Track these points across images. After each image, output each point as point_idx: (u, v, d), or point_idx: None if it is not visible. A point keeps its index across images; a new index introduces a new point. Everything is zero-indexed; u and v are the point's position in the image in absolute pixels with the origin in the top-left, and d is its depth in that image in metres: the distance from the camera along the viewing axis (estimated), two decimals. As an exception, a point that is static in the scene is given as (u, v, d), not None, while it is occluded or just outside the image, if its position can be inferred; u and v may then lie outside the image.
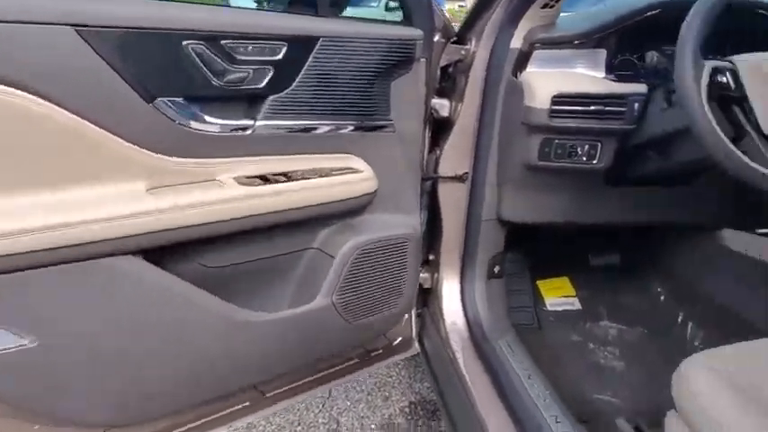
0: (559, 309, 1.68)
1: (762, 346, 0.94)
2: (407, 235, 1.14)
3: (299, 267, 1.07)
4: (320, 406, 1.65)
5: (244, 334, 0.97)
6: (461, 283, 1.41)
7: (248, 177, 0.92)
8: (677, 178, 1.39)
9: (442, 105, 1.30)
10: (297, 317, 1.01)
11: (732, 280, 1.52)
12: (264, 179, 0.93)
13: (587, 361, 1.48)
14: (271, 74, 0.90)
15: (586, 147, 1.19)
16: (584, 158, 1.19)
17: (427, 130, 1.29)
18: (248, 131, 0.91)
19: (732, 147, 0.91)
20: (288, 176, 0.95)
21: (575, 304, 1.70)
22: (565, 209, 1.36)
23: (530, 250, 1.73)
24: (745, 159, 0.91)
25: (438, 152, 1.33)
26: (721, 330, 1.48)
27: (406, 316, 1.38)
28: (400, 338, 1.45)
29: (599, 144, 1.19)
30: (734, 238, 1.51)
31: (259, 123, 0.91)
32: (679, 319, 1.59)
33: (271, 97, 0.91)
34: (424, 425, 1.62)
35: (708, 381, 0.86)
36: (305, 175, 0.97)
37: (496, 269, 1.43)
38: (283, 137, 0.95)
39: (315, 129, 0.99)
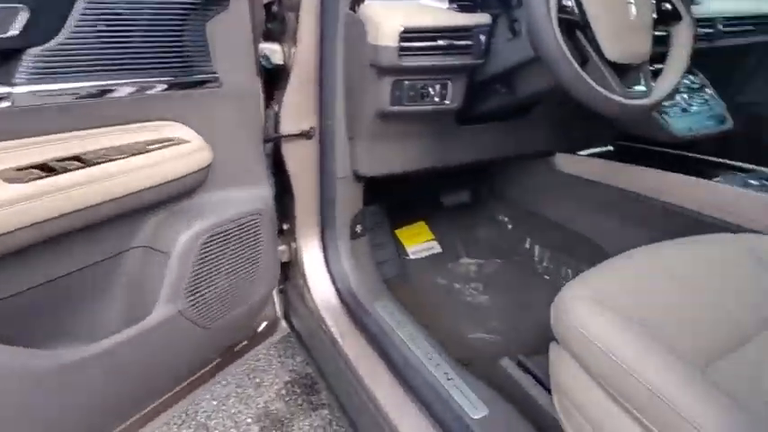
0: (422, 255, 1.66)
1: (628, 264, 0.98)
2: (259, 210, 0.96)
3: (121, 275, 0.83)
4: (183, 416, 1.43)
5: (53, 381, 0.71)
6: (324, 249, 1.28)
7: (19, 170, 0.64)
8: (517, 111, 1.42)
9: (273, 51, 1.10)
10: (132, 340, 0.78)
11: (566, 200, 1.65)
12: (46, 169, 0.66)
13: (457, 302, 1.49)
14: (25, 15, 0.62)
15: (438, 86, 1.11)
16: (437, 99, 1.12)
17: (260, 83, 1.09)
18: (4, 103, 0.62)
19: (582, 72, 0.90)
20: (82, 161, 0.70)
21: (435, 247, 1.70)
22: (421, 155, 1.30)
23: (385, 200, 1.66)
24: (593, 84, 0.91)
25: (277, 107, 1.14)
26: (564, 249, 1.60)
27: (269, 296, 1.22)
28: (265, 323, 1.28)
29: (449, 82, 1.12)
30: (565, 162, 1.62)
31: (19, 90, 0.63)
32: (526, 245, 1.69)
33: (32, 51, 0.64)
34: (305, 402, 1.51)
35: (585, 308, 0.87)
36: (108, 156, 0.72)
37: (358, 228, 1.33)
38: (64, 107, 0.68)
39: (111, 91, 0.73)
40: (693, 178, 1.30)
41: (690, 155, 1.51)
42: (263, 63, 1.10)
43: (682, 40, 1.06)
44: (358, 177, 1.25)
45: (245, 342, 1.20)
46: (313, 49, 1.08)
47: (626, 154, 1.58)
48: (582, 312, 0.86)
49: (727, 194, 1.23)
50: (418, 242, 1.70)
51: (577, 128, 1.59)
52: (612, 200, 1.48)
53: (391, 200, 1.69)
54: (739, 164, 1.37)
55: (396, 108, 1.10)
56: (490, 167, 1.83)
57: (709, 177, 1.32)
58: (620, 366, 0.77)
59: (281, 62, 1.11)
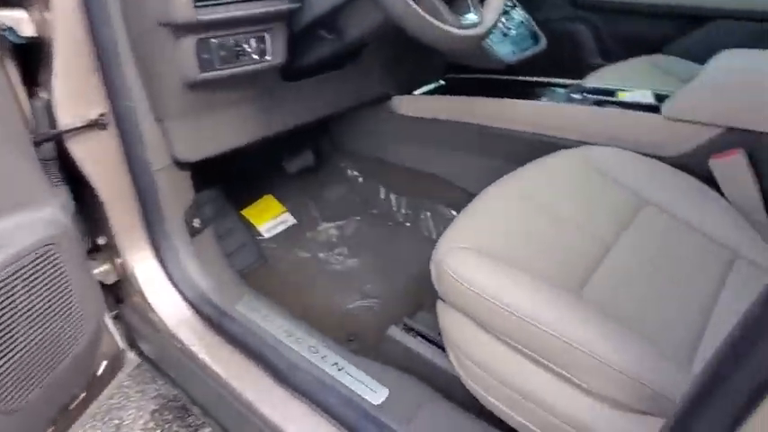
0: (277, 231, 1.51)
1: (491, 203, 0.95)
2: (50, 238, 0.72)
3: None
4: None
5: None
6: (158, 256, 1.06)
7: None
8: (348, 57, 1.30)
9: (18, 20, 0.82)
10: None
11: (411, 143, 1.61)
12: None
13: (325, 273, 1.38)
14: None
15: (253, 41, 0.93)
16: (256, 56, 0.94)
17: (10, 65, 0.81)
18: None
19: (414, 4, 0.81)
20: None
21: (289, 219, 1.55)
22: (249, 125, 1.12)
23: (221, 180, 1.45)
24: (426, 16, 0.83)
25: (46, 95, 0.86)
26: (419, 193, 1.57)
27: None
28: (105, 363, 1.05)
29: (266, 35, 0.95)
30: (402, 104, 1.56)
31: None
32: (382, 196, 1.63)
33: None
34: (181, 428, 1.31)
35: (462, 259, 0.82)
36: None
37: (196, 222, 1.12)
38: None
39: None
40: (525, 101, 1.32)
41: (514, 78, 1.56)
42: (9, 37, 0.81)
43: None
44: (180, 165, 1.04)
45: (83, 395, 0.96)
46: (75, 11, 0.82)
47: (458, 87, 1.57)
48: (459, 265, 0.81)
49: (556, 111, 1.28)
50: (269, 218, 1.53)
51: (409, 66, 1.54)
52: (455, 135, 1.47)
53: (228, 178, 1.48)
54: (558, 80, 1.44)
55: (208, 75, 0.91)
56: (329, 122, 1.71)
57: (537, 97, 1.37)
58: (505, 312, 0.75)
59: (35, 34, 0.83)
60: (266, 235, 1.49)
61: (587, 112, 1.22)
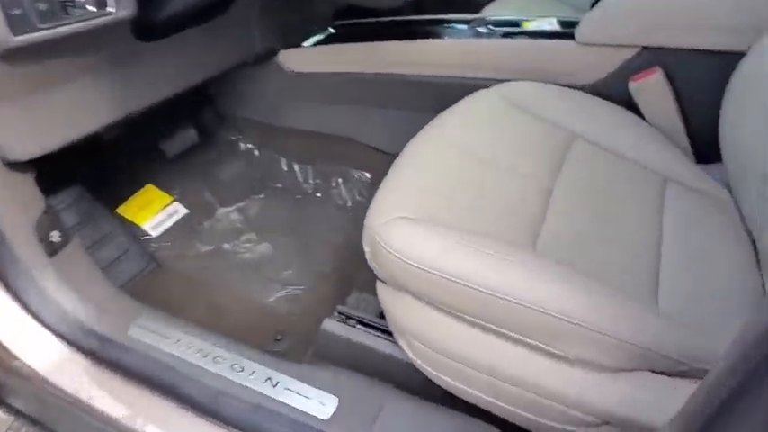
0: (166, 226, 1.27)
1: (414, 161, 0.83)
2: None
3: None
4: None
5: None
6: (9, 290, 0.82)
7: None
8: (213, 7, 1.07)
9: None
10: None
11: (307, 102, 1.42)
12: None
13: (235, 265, 1.19)
14: None
15: (84, -13, 0.69)
16: (92, 8, 0.70)
17: None
18: None
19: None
20: None
21: (179, 210, 1.32)
22: (100, 104, 0.87)
23: (84, 173, 1.18)
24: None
25: None
26: (325, 157, 1.41)
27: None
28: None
29: (100, -22, 0.71)
30: (291, 59, 1.37)
31: None
32: (284, 167, 1.45)
33: None
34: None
35: (396, 232, 0.70)
36: None
37: (55, 236, 0.88)
38: None
39: None
40: (430, 41, 1.20)
41: (408, 19, 1.41)
42: None
43: None
44: (14, 165, 0.78)
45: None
46: None
47: (350, 34, 1.39)
48: (396, 239, 0.69)
49: (465, 48, 1.17)
50: (154, 212, 1.29)
51: (291, 15, 1.33)
52: (355, 88, 1.32)
53: (92, 172, 1.21)
54: (456, 16, 1.33)
55: (24, 38, 0.66)
56: (209, 90, 1.46)
57: (439, 37, 1.24)
58: (456, 284, 0.64)
59: None
60: (153, 233, 1.25)
61: (499, 45, 1.12)
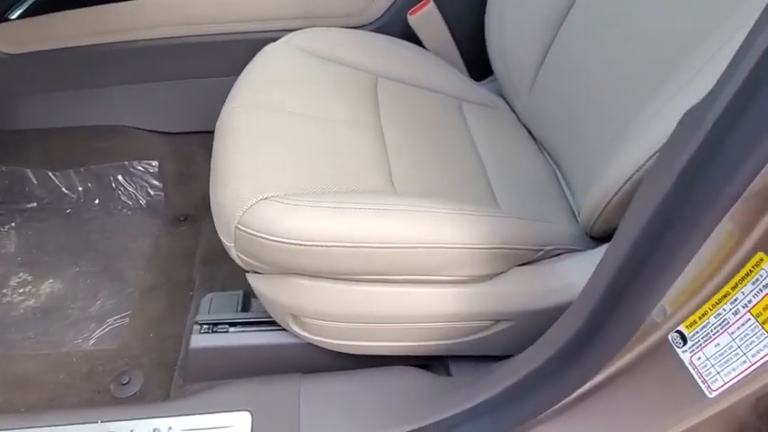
0: None
1: (246, 137, 0.73)
2: None
3: None
4: None
5: None
6: None
7: None
8: None
9: None
10: None
11: (33, 93, 1.11)
12: None
13: (18, 320, 0.91)
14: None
15: None
16: None
17: None
18: None
19: None
20: None
21: None
22: None
23: None
24: None
25: None
26: (88, 155, 1.14)
27: None
28: None
29: None
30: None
31: None
32: (33, 179, 1.13)
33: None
34: None
35: (262, 215, 0.63)
36: None
37: None
38: None
39: None
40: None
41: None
42: None
43: None
44: None
45: None
46: None
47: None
48: (261, 222, 0.62)
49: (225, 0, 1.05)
50: None
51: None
52: (106, 63, 1.08)
53: None
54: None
55: None
56: None
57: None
58: (336, 248, 0.62)
59: None
60: None
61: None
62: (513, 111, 1.01)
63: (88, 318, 0.92)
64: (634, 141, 0.61)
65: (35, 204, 1.11)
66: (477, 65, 1.07)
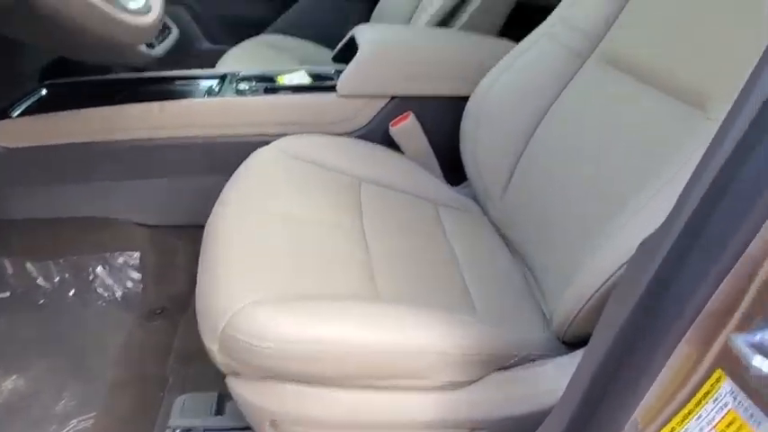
0: None
1: (235, 240, 0.76)
2: None
3: None
4: None
5: None
6: None
7: None
8: None
9: None
10: None
11: (23, 185, 1.14)
12: None
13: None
14: None
15: None
16: None
17: None
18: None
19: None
20: None
21: None
22: None
23: None
24: None
25: None
26: (70, 245, 1.15)
27: None
28: None
29: None
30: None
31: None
32: (8, 268, 1.12)
33: None
34: None
35: (250, 318, 0.64)
36: None
37: None
38: None
39: None
40: (183, 101, 1.10)
41: (136, 77, 1.27)
42: None
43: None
44: None
45: None
46: None
47: (68, 96, 1.17)
48: (251, 327, 0.63)
49: (226, 106, 1.12)
50: None
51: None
52: (98, 159, 1.11)
53: None
54: (203, 71, 1.26)
55: None
56: None
57: (190, 94, 1.16)
58: (321, 353, 0.63)
59: None
60: None
61: (264, 102, 1.11)
62: (487, 215, 1.07)
63: (50, 418, 0.88)
64: (602, 253, 0.66)
65: (8, 294, 1.09)
66: (454, 171, 1.15)
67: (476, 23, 1.32)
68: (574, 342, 0.74)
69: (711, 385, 0.38)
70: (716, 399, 0.37)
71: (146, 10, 0.68)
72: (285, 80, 1.20)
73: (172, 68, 1.27)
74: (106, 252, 1.15)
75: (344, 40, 1.26)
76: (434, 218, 1.01)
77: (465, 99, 1.05)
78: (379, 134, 1.14)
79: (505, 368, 0.72)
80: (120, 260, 1.15)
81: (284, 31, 1.87)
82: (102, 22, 0.58)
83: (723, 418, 0.37)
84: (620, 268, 0.61)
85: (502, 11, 1.35)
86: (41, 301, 1.09)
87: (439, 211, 1.04)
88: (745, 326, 0.34)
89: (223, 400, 0.81)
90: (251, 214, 0.82)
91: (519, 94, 0.99)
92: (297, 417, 0.66)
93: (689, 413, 0.38)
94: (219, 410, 0.80)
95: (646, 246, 0.38)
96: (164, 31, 1.24)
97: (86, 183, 1.13)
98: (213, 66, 1.64)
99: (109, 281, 1.13)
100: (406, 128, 1.12)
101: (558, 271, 0.81)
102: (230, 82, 1.16)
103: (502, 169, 1.02)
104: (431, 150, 1.16)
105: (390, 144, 1.14)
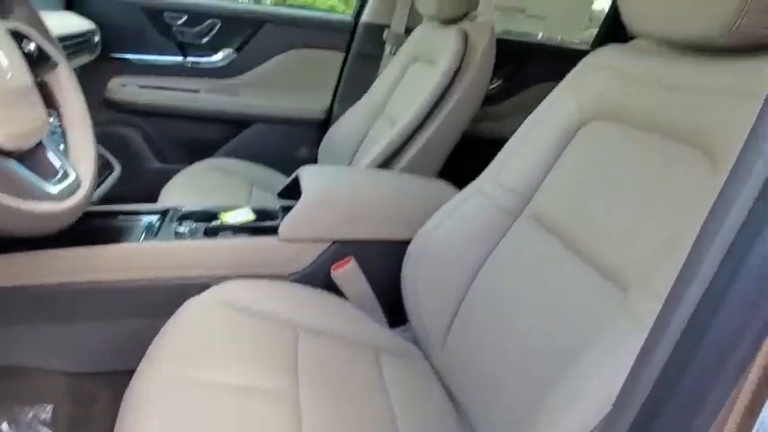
0: None
1: (156, 421, 0.70)
2: None
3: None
4: None
5: None
6: None
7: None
8: None
9: None
10: None
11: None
12: None
13: None
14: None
15: None
16: None
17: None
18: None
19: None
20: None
21: None
22: None
23: None
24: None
25: None
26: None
27: None
28: None
29: None
30: None
31: None
32: None
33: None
34: None
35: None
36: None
37: None
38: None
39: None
40: (116, 245, 1.06)
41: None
42: None
43: (66, 87, 0.78)
44: None
45: None
46: None
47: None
48: None
49: (163, 250, 1.09)
50: None
51: None
52: (16, 304, 1.04)
53: None
54: (143, 206, 1.24)
55: None
56: None
57: (122, 235, 1.12)
58: None
59: None
60: None
61: (203, 246, 1.09)
62: (429, 360, 1.05)
63: None
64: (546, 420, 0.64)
65: None
66: (396, 313, 1.15)
67: (415, 166, 1.39)
68: None
69: None
70: None
71: (71, 190, 0.66)
72: (229, 218, 1.20)
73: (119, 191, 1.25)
74: (15, 405, 1.04)
75: (289, 180, 1.29)
76: (373, 367, 0.98)
77: (406, 243, 1.08)
78: (320, 277, 1.13)
79: None
80: (30, 415, 1.04)
81: (234, 154, 1.90)
82: (7, 214, 0.55)
83: None
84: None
85: (441, 155, 1.43)
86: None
87: (379, 359, 1.01)
88: None
89: None
90: (174, 382, 0.77)
91: (461, 240, 1.02)
92: None
93: None
94: None
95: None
96: (104, 170, 1.23)
97: (27, 325, 1.04)
98: (161, 186, 1.64)
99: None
100: (348, 272, 1.12)
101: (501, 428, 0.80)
102: (170, 220, 1.15)
103: (442, 314, 1.02)
104: (372, 294, 1.16)
105: (332, 287, 1.14)
